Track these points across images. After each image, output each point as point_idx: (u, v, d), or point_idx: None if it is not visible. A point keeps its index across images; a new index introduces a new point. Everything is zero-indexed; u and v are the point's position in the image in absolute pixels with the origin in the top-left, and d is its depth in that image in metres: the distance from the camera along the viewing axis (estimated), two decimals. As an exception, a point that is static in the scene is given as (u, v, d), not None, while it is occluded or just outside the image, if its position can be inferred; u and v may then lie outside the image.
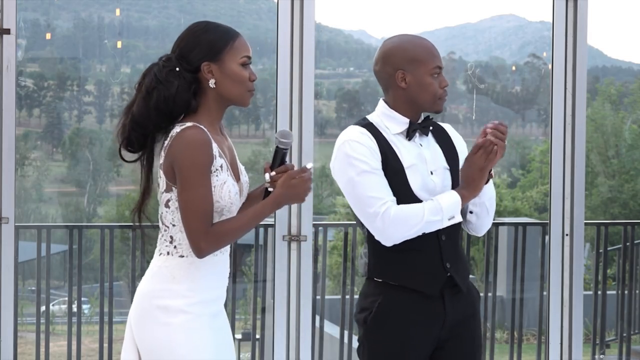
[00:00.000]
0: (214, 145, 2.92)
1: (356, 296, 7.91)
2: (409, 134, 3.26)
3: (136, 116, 2.93)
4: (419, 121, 3.30)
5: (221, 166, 2.93)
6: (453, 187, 3.26)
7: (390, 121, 3.27)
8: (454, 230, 3.26)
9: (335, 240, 15.37)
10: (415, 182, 3.21)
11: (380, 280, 3.25)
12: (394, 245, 3.20)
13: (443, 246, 3.23)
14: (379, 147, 3.21)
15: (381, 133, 3.25)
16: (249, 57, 2.97)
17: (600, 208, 15.97)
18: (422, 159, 3.25)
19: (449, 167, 3.29)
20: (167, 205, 2.96)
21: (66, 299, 6.16)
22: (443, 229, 3.21)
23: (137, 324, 2.97)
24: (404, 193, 3.20)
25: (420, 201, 3.21)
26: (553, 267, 5.34)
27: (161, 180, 2.96)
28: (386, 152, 3.22)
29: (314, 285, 5.29)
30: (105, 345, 5.85)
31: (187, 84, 2.93)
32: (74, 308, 6.07)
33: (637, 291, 6.98)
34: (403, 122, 3.27)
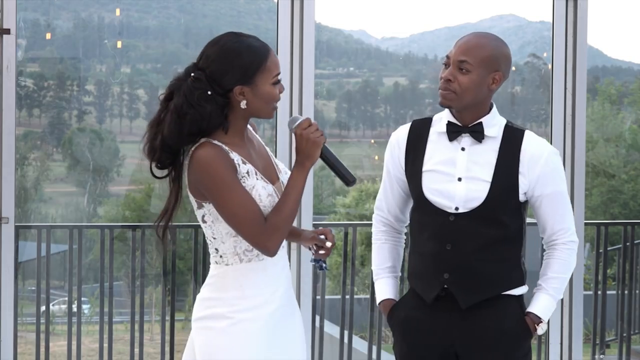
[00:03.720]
0: (234, 155, 2.90)
1: (356, 296, 7.90)
2: (451, 135, 3.20)
3: (167, 138, 2.89)
4: (472, 124, 3.19)
5: (247, 172, 2.91)
6: (486, 199, 3.14)
7: (444, 118, 3.24)
8: (468, 244, 3.15)
9: (335, 240, 15.36)
10: (429, 186, 3.18)
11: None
12: (414, 247, 3.24)
13: (445, 255, 3.16)
14: (406, 150, 3.23)
15: (428, 130, 3.23)
16: (279, 74, 2.94)
17: (600, 208, 15.97)
18: (450, 164, 3.18)
19: (490, 180, 3.15)
20: (204, 221, 2.96)
21: (66, 299, 6.16)
22: (451, 238, 3.15)
23: (193, 328, 3.00)
24: (417, 196, 3.21)
25: (433, 206, 3.16)
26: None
27: (191, 198, 2.96)
28: (413, 153, 3.22)
29: (314, 285, 5.29)
30: (105, 345, 5.85)
31: (219, 108, 2.89)
32: (74, 308, 6.07)
33: (637, 291, 6.98)
34: (445, 122, 3.22)
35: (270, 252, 2.89)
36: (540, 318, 3.20)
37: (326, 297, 5.96)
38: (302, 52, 5.10)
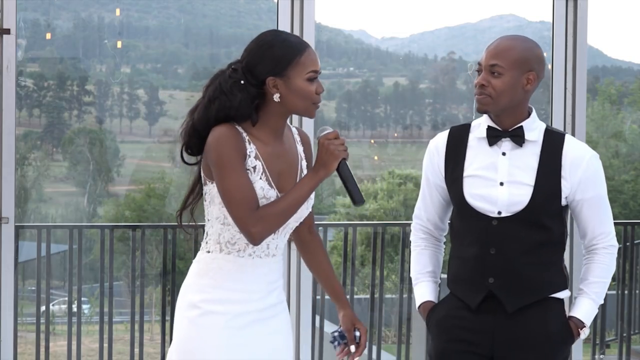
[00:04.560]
0: (251, 146, 2.92)
1: (356, 296, 7.90)
2: (490, 140, 3.20)
3: (196, 123, 2.94)
4: (512, 128, 3.19)
5: (254, 168, 2.92)
6: (529, 203, 3.14)
7: (483, 123, 3.23)
8: (512, 248, 3.15)
9: (335, 240, 15.38)
10: (470, 191, 3.18)
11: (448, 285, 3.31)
12: (455, 252, 3.25)
13: (489, 260, 3.15)
14: (445, 157, 3.24)
15: (467, 136, 3.24)
16: (316, 72, 2.93)
17: (600, 208, 15.91)
18: (491, 169, 3.18)
19: (533, 184, 3.15)
20: (205, 199, 3.00)
21: (66, 299, 6.15)
22: (495, 242, 3.14)
23: (175, 317, 3.04)
24: (458, 201, 3.21)
25: (475, 211, 3.16)
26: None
27: (202, 173, 3.00)
28: (453, 159, 3.23)
29: (314, 285, 5.29)
30: (105, 345, 5.85)
31: (250, 98, 2.91)
32: (74, 308, 6.07)
33: (637, 291, 6.97)
34: (484, 128, 3.22)
35: (253, 238, 2.87)
36: (583, 322, 3.20)
37: (326, 297, 5.97)
38: (302, 52, 5.09)
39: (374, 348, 6.03)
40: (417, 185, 17.76)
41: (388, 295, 11.08)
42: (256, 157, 2.92)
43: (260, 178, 2.92)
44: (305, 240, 3.15)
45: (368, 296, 6.10)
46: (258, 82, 2.91)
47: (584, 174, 3.18)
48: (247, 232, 2.86)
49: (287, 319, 3.10)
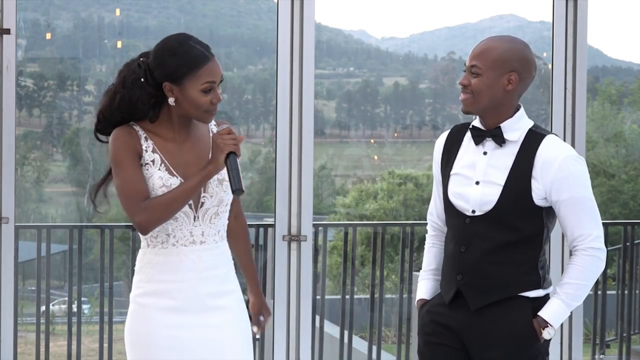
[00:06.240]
0: (148, 142, 3.04)
1: (356, 296, 7.89)
2: (475, 139, 3.25)
3: (102, 109, 3.10)
4: (493, 128, 3.24)
5: (153, 161, 3.03)
6: (498, 203, 3.17)
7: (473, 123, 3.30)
8: (479, 247, 3.19)
9: (335, 240, 15.37)
10: (452, 189, 3.25)
11: None
12: (444, 248, 3.33)
13: (459, 257, 3.21)
14: (442, 153, 3.31)
15: (463, 134, 3.30)
16: (214, 82, 3.01)
17: (600, 208, 15.91)
18: (471, 167, 3.24)
19: (503, 184, 3.18)
20: None
21: (66, 299, 6.16)
22: (465, 240, 3.20)
23: None
24: (444, 198, 3.29)
25: (455, 209, 3.23)
26: (552, 267, 5.35)
27: None
28: (448, 156, 3.30)
29: (314, 285, 5.29)
30: (105, 345, 5.85)
31: (147, 96, 3.05)
32: (74, 308, 6.07)
33: (637, 291, 6.98)
34: (469, 127, 3.28)
35: (140, 227, 2.99)
36: (547, 322, 3.19)
37: (326, 297, 5.97)
38: (302, 52, 5.10)
39: (374, 348, 6.04)
40: (417, 185, 17.75)
41: (388, 295, 11.07)
42: (154, 151, 3.04)
43: (159, 169, 3.03)
44: (230, 226, 3.22)
45: (368, 296, 6.11)
46: (156, 84, 3.03)
47: (555, 175, 3.17)
48: (134, 221, 2.98)
49: (236, 314, 3.14)
